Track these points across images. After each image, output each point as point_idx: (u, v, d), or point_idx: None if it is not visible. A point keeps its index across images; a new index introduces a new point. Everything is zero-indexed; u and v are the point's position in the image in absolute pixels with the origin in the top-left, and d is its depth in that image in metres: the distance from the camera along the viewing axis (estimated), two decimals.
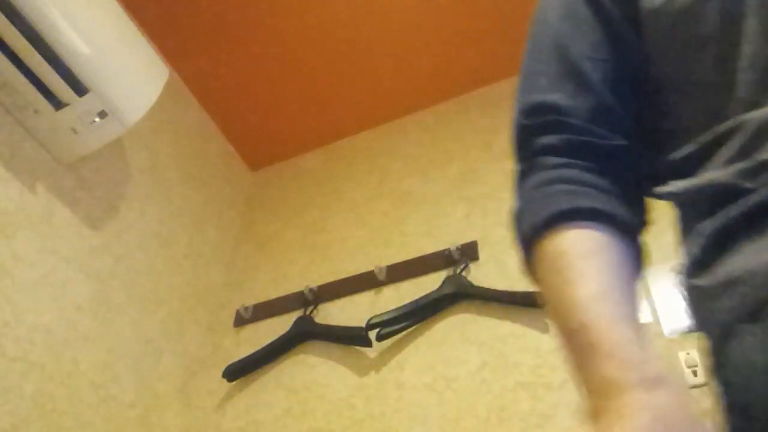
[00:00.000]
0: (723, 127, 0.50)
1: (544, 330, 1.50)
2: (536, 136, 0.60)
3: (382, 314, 1.64)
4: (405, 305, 1.65)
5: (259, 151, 2.53)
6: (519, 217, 0.59)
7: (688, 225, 0.55)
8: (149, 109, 1.64)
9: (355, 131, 2.45)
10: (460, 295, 1.63)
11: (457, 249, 1.73)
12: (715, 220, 0.49)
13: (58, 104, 1.52)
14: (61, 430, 1.45)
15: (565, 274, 0.50)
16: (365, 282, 1.85)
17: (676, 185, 0.53)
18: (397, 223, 2.00)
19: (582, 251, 0.51)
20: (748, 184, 0.46)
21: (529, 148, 0.61)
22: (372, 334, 1.66)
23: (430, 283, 1.71)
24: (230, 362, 1.80)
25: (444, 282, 1.66)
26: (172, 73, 2.15)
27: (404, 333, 1.66)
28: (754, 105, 0.49)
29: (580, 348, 0.47)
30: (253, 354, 1.80)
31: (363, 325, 1.65)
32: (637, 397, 0.41)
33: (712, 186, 0.50)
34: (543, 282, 0.54)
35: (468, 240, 1.77)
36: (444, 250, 1.77)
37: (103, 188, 1.81)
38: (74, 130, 1.57)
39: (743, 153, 0.48)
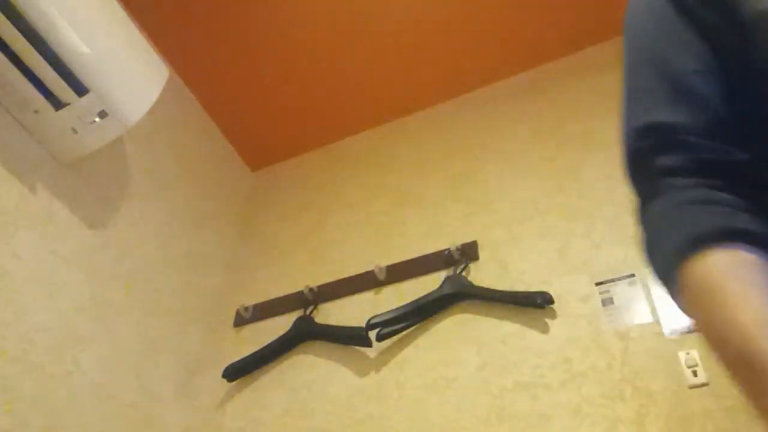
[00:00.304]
0: None
1: (544, 330, 1.50)
2: (654, 158, 0.57)
3: (382, 314, 1.64)
4: (405, 305, 1.65)
5: (259, 151, 2.53)
6: (654, 243, 0.56)
7: None
8: (149, 109, 1.64)
9: (355, 131, 2.45)
10: (460, 295, 1.63)
11: (457, 249, 1.73)
12: None
13: (58, 104, 1.52)
14: (61, 430, 1.45)
15: (722, 298, 0.48)
16: (365, 282, 1.85)
17: None
18: (397, 223, 2.00)
19: (736, 274, 0.49)
20: None
21: (648, 170, 0.58)
22: (372, 334, 1.66)
23: (430, 283, 1.71)
24: (230, 362, 1.80)
25: (444, 282, 1.66)
26: (172, 73, 2.15)
27: (404, 333, 1.66)
28: None
29: (751, 375, 0.45)
30: (253, 354, 1.80)
31: (363, 325, 1.65)
32: None
33: None
34: (696, 307, 0.51)
35: (468, 240, 1.77)
36: (444, 250, 1.77)
37: (103, 188, 1.81)
38: (74, 130, 1.57)
39: None
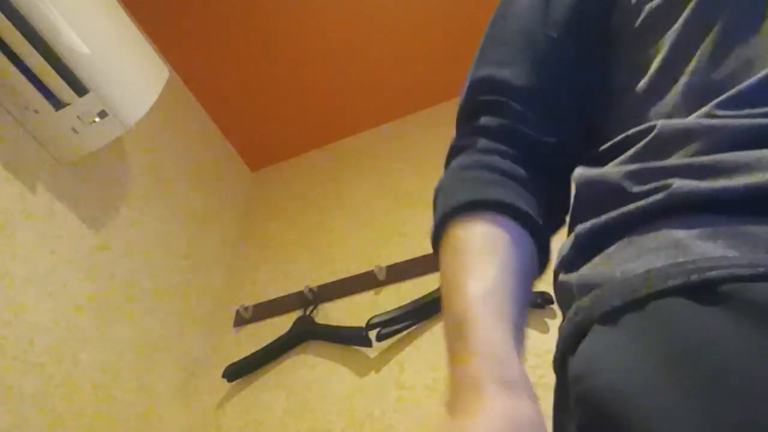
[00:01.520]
0: (635, 129, 0.50)
1: (544, 330, 1.50)
2: (478, 114, 0.61)
3: (382, 314, 1.64)
4: (405, 305, 1.65)
5: (259, 151, 2.53)
6: (438, 194, 0.59)
7: (572, 226, 0.56)
8: (149, 109, 1.64)
9: (355, 131, 2.45)
10: None
11: None
12: (593, 221, 0.49)
13: (58, 104, 1.52)
14: (61, 430, 1.45)
15: (461, 264, 0.51)
16: (365, 282, 1.85)
17: (576, 172, 0.54)
18: (397, 223, 2.00)
19: (483, 245, 0.52)
20: (633, 188, 0.47)
21: (468, 124, 0.62)
22: (372, 334, 1.66)
23: (430, 283, 1.71)
24: (230, 362, 1.80)
25: None
26: (172, 73, 2.15)
27: (404, 333, 1.66)
28: (673, 115, 0.49)
29: (454, 341, 0.48)
30: (253, 354, 1.80)
31: (363, 325, 1.65)
32: (491, 396, 0.42)
33: (599, 183, 0.51)
34: (442, 268, 0.54)
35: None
36: None
37: (103, 188, 1.81)
38: (74, 130, 1.57)
39: (642, 157, 0.48)
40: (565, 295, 0.51)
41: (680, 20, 0.51)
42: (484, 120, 0.60)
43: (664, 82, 0.52)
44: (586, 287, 0.46)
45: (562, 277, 0.52)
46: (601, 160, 0.53)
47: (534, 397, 0.45)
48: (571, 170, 0.59)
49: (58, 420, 1.45)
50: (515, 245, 0.53)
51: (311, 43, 2.19)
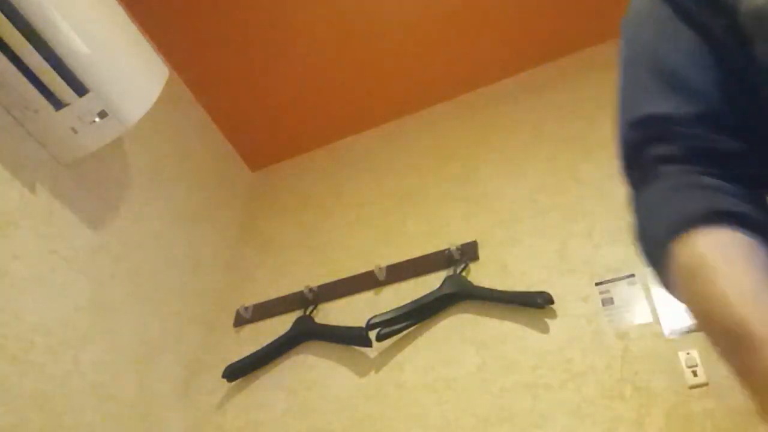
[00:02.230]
0: None
1: (544, 330, 1.50)
2: (647, 148, 0.58)
3: (382, 314, 1.64)
4: (405, 305, 1.65)
5: (259, 151, 2.53)
6: (645, 228, 0.57)
7: None
8: (149, 109, 1.64)
9: (356, 131, 2.45)
10: (460, 295, 1.63)
11: (457, 249, 1.73)
12: None
13: (58, 104, 1.52)
14: (61, 430, 1.45)
15: (711, 276, 0.48)
16: (365, 282, 1.85)
17: None
18: (397, 223, 2.00)
19: (723, 251, 0.50)
20: None
21: (640, 160, 0.59)
22: (372, 334, 1.66)
23: (430, 283, 1.71)
24: (230, 362, 1.80)
25: (444, 282, 1.66)
26: (172, 73, 2.15)
27: (404, 333, 1.66)
28: None
29: (737, 344, 0.45)
30: (253, 354, 1.80)
31: (363, 325, 1.65)
32: None
33: None
34: (684, 286, 0.51)
35: (468, 240, 1.77)
36: (444, 250, 1.77)
37: (103, 188, 1.81)
38: (74, 130, 1.57)
39: None
40: None
41: None
42: (659, 150, 0.57)
43: None
44: None
45: None
46: None
47: None
48: (761, 177, 0.57)
49: (58, 420, 1.45)
50: (756, 248, 0.50)
51: (311, 43, 2.19)
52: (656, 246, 0.54)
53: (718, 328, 0.47)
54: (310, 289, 1.89)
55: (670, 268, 0.53)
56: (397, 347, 1.66)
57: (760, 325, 0.43)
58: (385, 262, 1.86)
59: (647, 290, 1.44)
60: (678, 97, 0.57)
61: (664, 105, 0.57)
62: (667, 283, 0.54)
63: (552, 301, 1.51)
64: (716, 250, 0.50)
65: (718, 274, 0.48)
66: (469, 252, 1.74)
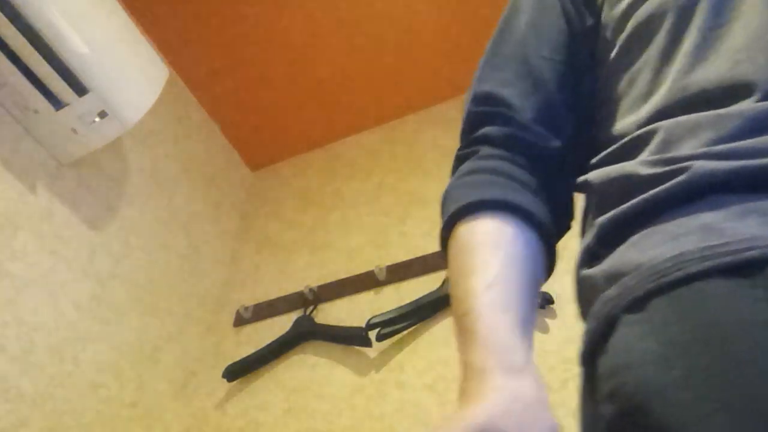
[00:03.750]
0: (642, 130, 0.52)
1: (544, 330, 1.50)
2: (481, 125, 0.64)
3: (382, 314, 1.64)
4: (405, 305, 1.65)
5: (259, 151, 2.53)
6: (445, 199, 0.62)
7: (590, 219, 0.57)
8: (149, 109, 1.64)
9: (355, 131, 2.45)
10: None
11: None
12: (613, 212, 0.50)
13: (58, 104, 1.52)
14: (61, 430, 1.45)
15: (467, 260, 0.52)
16: (365, 282, 1.85)
17: (590, 174, 0.55)
18: (397, 223, 2.00)
19: (488, 240, 0.53)
20: (653, 175, 0.47)
21: (472, 134, 0.65)
22: (372, 334, 1.66)
23: (430, 283, 1.71)
24: (230, 362, 1.80)
25: (444, 282, 1.66)
26: (172, 73, 2.15)
27: (404, 333, 1.66)
28: (669, 115, 0.51)
29: (462, 332, 0.49)
30: (253, 354, 1.80)
31: (363, 325, 1.65)
32: (496, 382, 0.43)
33: (619, 176, 0.51)
34: (449, 265, 0.56)
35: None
36: None
37: (103, 188, 1.81)
38: (74, 130, 1.57)
39: (657, 151, 0.49)
40: (587, 290, 0.51)
41: (661, 33, 0.54)
42: (486, 129, 0.62)
43: (653, 87, 0.54)
44: (614, 276, 0.46)
45: (584, 272, 0.52)
46: (612, 162, 0.54)
47: (540, 378, 0.46)
48: (574, 177, 0.60)
49: (58, 420, 1.45)
50: (520, 241, 0.54)
51: (311, 43, 2.19)
52: (445, 222, 0.59)
53: (456, 312, 0.51)
54: (310, 289, 1.89)
55: (448, 245, 0.58)
56: (397, 347, 1.66)
57: (480, 321, 0.47)
58: (385, 262, 1.86)
59: None
60: (526, 86, 0.62)
61: (510, 89, 0.62)
62: (446, 259, 0.58)
63: (552, 301, 1.51)
64: (481, 236, 0.54)
65: (472, 261, 0.52)
66: None
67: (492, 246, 0.53)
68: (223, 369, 1.79)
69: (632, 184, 0.49)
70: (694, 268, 0.39)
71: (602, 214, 0.51)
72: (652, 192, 0.46)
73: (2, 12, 1.36)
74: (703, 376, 0.36)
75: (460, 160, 0.65)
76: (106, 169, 1.83)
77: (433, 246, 1.82)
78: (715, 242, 0.40)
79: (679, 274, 0.40)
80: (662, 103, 0.52)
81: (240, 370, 1.79)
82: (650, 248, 0.44)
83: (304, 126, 2.44)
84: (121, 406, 1.62)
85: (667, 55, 0.54)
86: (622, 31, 0.59)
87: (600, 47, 0.63)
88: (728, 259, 0.38)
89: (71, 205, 1.67)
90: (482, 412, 0.41)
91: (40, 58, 1.43)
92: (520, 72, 0.63)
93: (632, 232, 0.47)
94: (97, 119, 1.55)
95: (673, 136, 0.49)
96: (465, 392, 0.45)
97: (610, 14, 0.61)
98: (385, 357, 1.66)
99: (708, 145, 0.46)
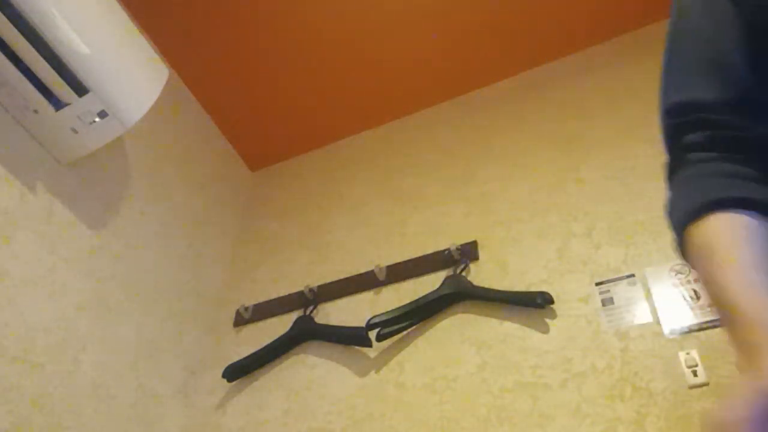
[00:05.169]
0: None
1: (544, 330, 1.50)
2: (682, 135, 0.64)
3: (382, 314, 1.64)
4: (405, 305, 1.65)
5: (259, 151, 2.53)
6: (672, 206, 0.64)
7: None
8: (149, 109, 1.64)
9: (355, 131, 2.45)
10: (460, 295, 1.63)
11: (457, 249, 1.73)
12: None
13: (58, 104, 1.52)
14: (61, 430, 1.45)
15: (717, 257, 0.55)
16: (365, 282, 1.85)
17: None
18: (397, 223, 2.00)
19: (732, 235, 0.56)
20: None
21: (677, 145, 0.66)
22: (372, 334, 1.66)
23: (430, 283, 1.71)
24: (230, 362, 1.80)
25: (444, 282, 1.66)
26: (172, 73, 2.15)
27: (404, 333, 1.66)
28: None
29: (732, 320, 0.51)
30: (253, 354, 1.80)
31: (363, 325, 1.65)
32: None
33: None
34: (697, 265, 0.58)
35: (468, 240, 1.77)
36: (444, 250, 1.77)
37: (103, 188, 1.81)
38: (74, 130, 1.57)
39: None
40: None
41: None
42: (689, 137, 0.64)
43: None
44: None
45: None
46: None
47: None
48: None
49: (58, 420, 1.45)
50: (764, 231, 0.56)
51: (311, 43, 2.19)
52: (677, 229, 0.61)
53: (719, 305, 0.53)
54: (310, 289, 1.89)
55: (687, 248, 0.60)
56: (397, 347, 1.66)
57: (749, 308, 0.50)
58: (385, 262, 1.86)
59: (647, 290, 1.44)
60: (718, 81, 0.63)
61: (701, 91, 0.63)
62: (687, 261, 0.61)
63: (552, 301, 1.51)
64: (719, 233, 0.56)
65: (718, 257, 0.55)
66: (469, 252, 1.74)
67: (737, 239, 0.55)
68: (223, 369, 1.79)
69: None
70: None
71: None
72: None
73: (2, 12, 1.36)
74: None
75: (670, 171, 0.67)
76: (106, 169, 1.83)
77: (434, 246, 1.82)
78: None
79: None
80: None
81: (240, 370, 1.79)
82: None
83: (304, 126, 2.44)
84: (121, 406, 1.62)
85: None
86: None
87: None
88: None
89: (71, 205, 1.67)
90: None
91: (40, 58, 1.43)
92: (707, 70, 0.64)
93: None
94: (97, 119, 1.55)
95: None
96: (746, 369, 0.48)
97: None
98: (385, 357, 1.66)
99: None
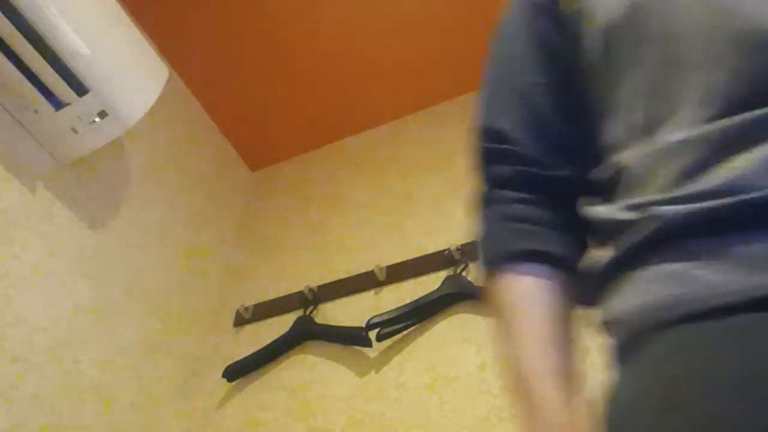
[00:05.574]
0: (615, 168, 0.54)
1: None
2: (490, 163, 0.65)
3: (382, 314, 1.64)
4: (405, 305, 1.65)
5: (259, 151, 2.53)
6: (483, 243, 0.65)
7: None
8: (149, 109, 1.64)
9: (355, 131, 2.45)
10: (460, 295, 1.63)
11: (457, 249, 1.73)
12: (602, 259, 0.53)
13: (58, 104, 1.52)
14: (61, 430, 1.45)
15: (510, 324, 0.58)
16: (365, 282, 1.85)
17: (590, 211, 0.58)
18: (397, 223, 2.00)
19: (526, 303, 0.58)
20: (624, 223, 0.50)
21: (485, 173, 0.66)
22: (372, 334, 1.66)
23: (430, 283, 1.71)
24: (230, 362, 1.80)
25: (444, 282, 1.66)
26: (172, 73, 2.15)
27: (404, 333, 1.66)
28: (637, 143, 0.52)
29: (518, 395, 0.55)
30: (253, 354, 1.80)
31: (363, 325, 1.65)
32: None
33: (600, 220, 0.54)
34: (495, 316, 0.62)
35: (468, 240, 1.77)
36: (444, 250, 1.77)
37: (103, 188, 1.81)
38: (74, 130, 1.57)
39: (626, 193, 0.52)
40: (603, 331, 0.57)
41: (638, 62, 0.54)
42: (498, 169, 0.64)
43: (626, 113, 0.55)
44: (612, 323, 0.51)
45: (600, 316, 0.56)
46: (600, 195, 0.57)
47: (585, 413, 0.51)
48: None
49: (58, 420, 1.45)
50: (555, 294, 0.59)
51: (311, 42, 2.19)
52: (482, 271, 0.63)
53: (509, 372, 0.57)
54: (310, 289, 1.89)
55: (488, 296, 0.63)
56: (397, 347, 1.66)
57: (533, 390, 0.53)
58: (385, 262, 1.86)
59: None
60: (523, 114, 0.63)
61: (508, 121, 0.63)
62: (489, 305, 0.63)
63: None
64: (520, 298, 0.59)
65: (515, 325, 0.58)
66: (469, 252, 1.74)
67: (530, 307, 0.58)
68: (223, 369, 1.79)
69: (609, 232, 0.52)
70: (658, 318, 0.43)
71: (600, 254, 0.55)
72: (624, 241, 0.49)
73: (2, 12, 1.36)
74: (673, 425, 0.39)
75: (481, 200, 0.67)
76: (106, 169, 1.83)
77: (434, 246, 1.82)
78: (679, 291, 0.43)
79: (648, 325, 0.44)
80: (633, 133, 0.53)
81: (240, 370, 1.79)
82: (626, 298, 0.48)
83: (304, 126, 2.44)
84: (121, 406, 1.62)
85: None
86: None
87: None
88: (689, 308, 0.42)
89: (71, 205, 1.67)
90: None
91: (40, 58, 1.43)
92: (513, 102, 0.64)
93: (615, 279, 0.50)
94: (97, 119, 1.55)
95: (635, 176, 0.51)
96: None
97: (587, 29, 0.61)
98: (385, 357, 1.66)
99: (667, 185, 0.47)
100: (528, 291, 0.59)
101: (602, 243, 0.56)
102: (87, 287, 1.64)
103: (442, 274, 1.71)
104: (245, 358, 1.80)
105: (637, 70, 0.53)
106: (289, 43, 2.20)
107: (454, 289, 1.63)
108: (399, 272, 1.83)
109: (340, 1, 2.10)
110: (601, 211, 0.55)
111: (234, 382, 1.80)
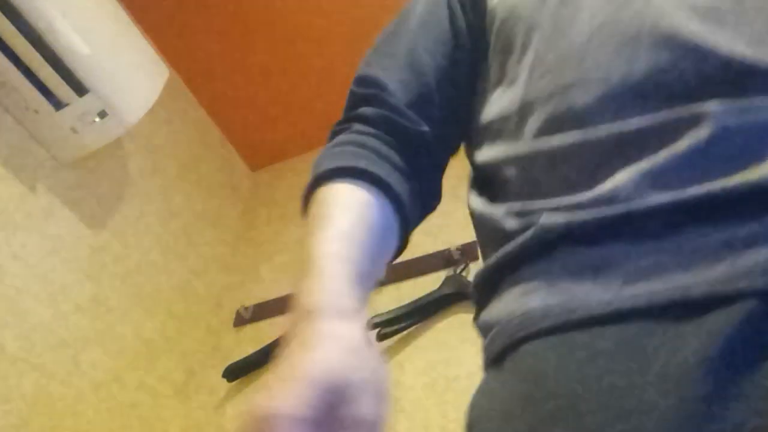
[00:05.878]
0: (502, 160, 0.55)
1: None
2: (359, 104, 0.66)
3: (382, 314, 1.64)
4: (405, 305, 1.65)
5: (259, 151, 2.53)
6: (314, 165, 0.64)
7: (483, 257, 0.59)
8: (149, 109, 1.64)
9: None
10: (460, 295, 1.63)
11: (457, 249, 1.73)
12: (486, 263, 0.52)
13: (58, 104, 1.52)
14: (61, 430, 1.45)
15: (319, 219, 0.53)
16: None
17: (472, 202, 0.58)
18: None
19: (341, 202, 0.54)
20: (511, 228, 0.49)
21: (349, 113, 0.67)
22: (372, 335, 1.65)
23: (430, 283, 1.71)
24: (230, 362, 1.80)
25: (444, 282, 1.66)
26: (172, 73, 2.15)
27: (404, 333, 1.66)
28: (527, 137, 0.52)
29: (302, 279, 0.48)
30: (253, 354, 1.80)
31: None
32: (327, 327, 0.42)
33: (488, 221, 0.54)
34: (308, 224, 0.56)
35: (468, 240, 1.77)
36: (444, 250, 1.77)
37: (103, 188, 1.81)
38: (74, 130, 1.57)
39: (517, 195, 0.51)
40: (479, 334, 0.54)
41: (527, 50, 0.56)
42: (362, 109, 0.64)
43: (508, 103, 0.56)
44: (484, 329, 0.49)
45: (476, 318, 0.55)
46: (479, 181, 0.58)
47: (365, 326, 0.46)
48: (446, 161, 0.68)
49: (58, 420, 1.45)
50: (374, 208, 0.55)
51: (312, 43, 2.19)
52: (306, 189, 0.60)
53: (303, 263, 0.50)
54: None
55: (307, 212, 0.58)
56: (397, 347, 1.66)
57: (317, 266, 0.47)
58: None
59: None
60: (406, 75, 0.64)
61: (390, 75, 0.64)
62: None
63: None
64: (336, 197, 0.55)
65: (323, 219, 0.52)
66: (469, 252, 1.74)
67: (344, 207, 0.53)
68: (223, 369, 1.79)
69: (497, 234, 0.51)
70: (530, 329, 0.42)
71: (483, 259, 0.54)
72: (510, 246, 0.49)
73: (2, 12, 1.36)
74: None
75: (335, 133, 0.67)
76: (106, 169, 1.83)
77: (433, 246, 1.82)
78: (545, 303, 0.43)
79: (521, 334, 0.43)
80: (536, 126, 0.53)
81: (240, 370, 1.79)
82: (508, 304, 0.47)
83: (305, 126, 2.44)
84: (121, 406, 1.62)
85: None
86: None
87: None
88: (554, 320, 0.41)
89: (71, 205, 1.67)
90: (321, 361, 0.39)
91: (41, 58, 1.43)
92: (403, 62, 0.65)
93: (499, 284, 0.50)
94: (97, 119, 1.55)
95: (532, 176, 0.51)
96: (298, 338, 0.43)
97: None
98: (385, 357, 1.65)
99: (557, 189, 0.47)
100: (350, 194, 0.55)
101: (484, 244, 0.56)
102: (87, 287, 1.64)
103: (442, 274, 1.71)
104: (245, 358, 1.80)
105: (526, 56, 0.54)
106: (289, 43, 2.20)
107: (454, 289, 1.63)
108: (399, 272, 1.83)
109: (341, 2, 2.10)
110: (485, 210, 0.55)
111: (234, 382, 1.80)
